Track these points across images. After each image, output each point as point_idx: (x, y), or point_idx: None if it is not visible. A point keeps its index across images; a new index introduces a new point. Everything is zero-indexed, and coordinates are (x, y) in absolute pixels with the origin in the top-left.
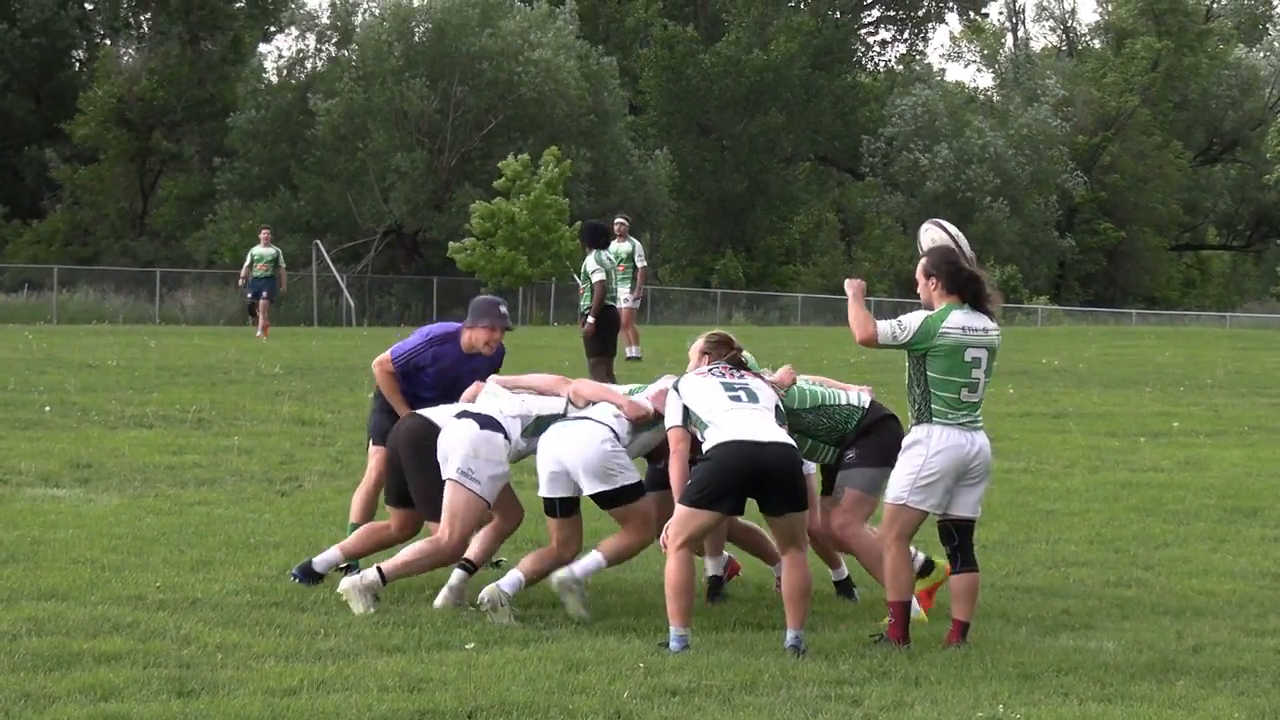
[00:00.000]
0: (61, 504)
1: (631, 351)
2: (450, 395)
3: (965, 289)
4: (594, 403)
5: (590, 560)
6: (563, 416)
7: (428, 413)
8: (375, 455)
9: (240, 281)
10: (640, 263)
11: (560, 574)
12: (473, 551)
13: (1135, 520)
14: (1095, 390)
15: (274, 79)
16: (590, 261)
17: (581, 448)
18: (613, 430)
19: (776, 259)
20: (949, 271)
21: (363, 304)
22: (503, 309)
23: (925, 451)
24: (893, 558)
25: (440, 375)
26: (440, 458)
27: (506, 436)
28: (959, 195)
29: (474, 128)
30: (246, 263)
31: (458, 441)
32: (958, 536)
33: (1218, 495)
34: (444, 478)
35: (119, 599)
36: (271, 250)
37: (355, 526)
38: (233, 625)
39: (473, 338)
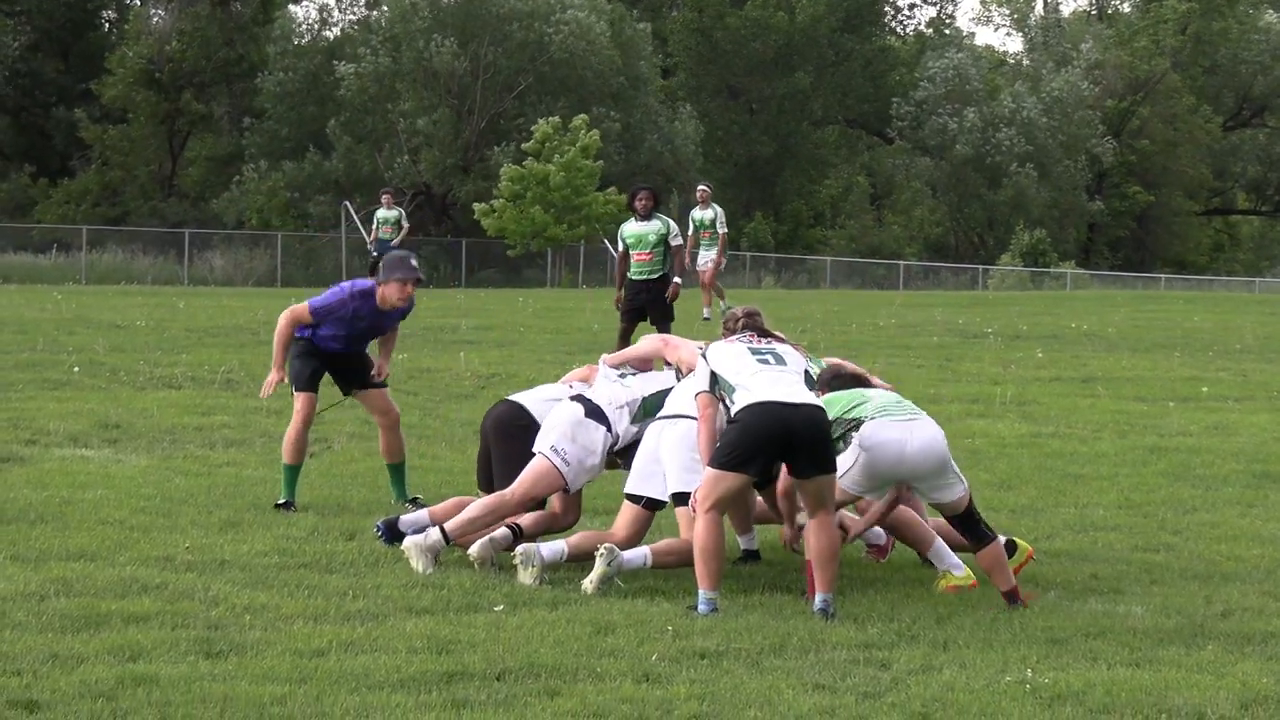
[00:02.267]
0: (90, 465)
1: (706, 313)
2: (361, 342)
3: None
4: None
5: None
6: (669, 391)
7: (519, 397)
8: (301, 399)
9: (370, 245)
10: (723, 229)
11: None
12: (525, 519)
13: (1164, 485)
14: (1124, 355)
15: (303, 40)
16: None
17: (682, 448)
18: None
19: (805, 222)
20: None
21: None
22: (413, 262)
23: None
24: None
25: (353, 326)
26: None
27: (610, 429)
28: (988, 159)
29: (504, 89)
30: (374, 225)
31: (560, 420)
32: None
33: (1246, 460)
34: (534, 449)
35: (147, 560)
36: (394, 212)
37: (289, 468)
38: (261, 586)
39: (385, 293)
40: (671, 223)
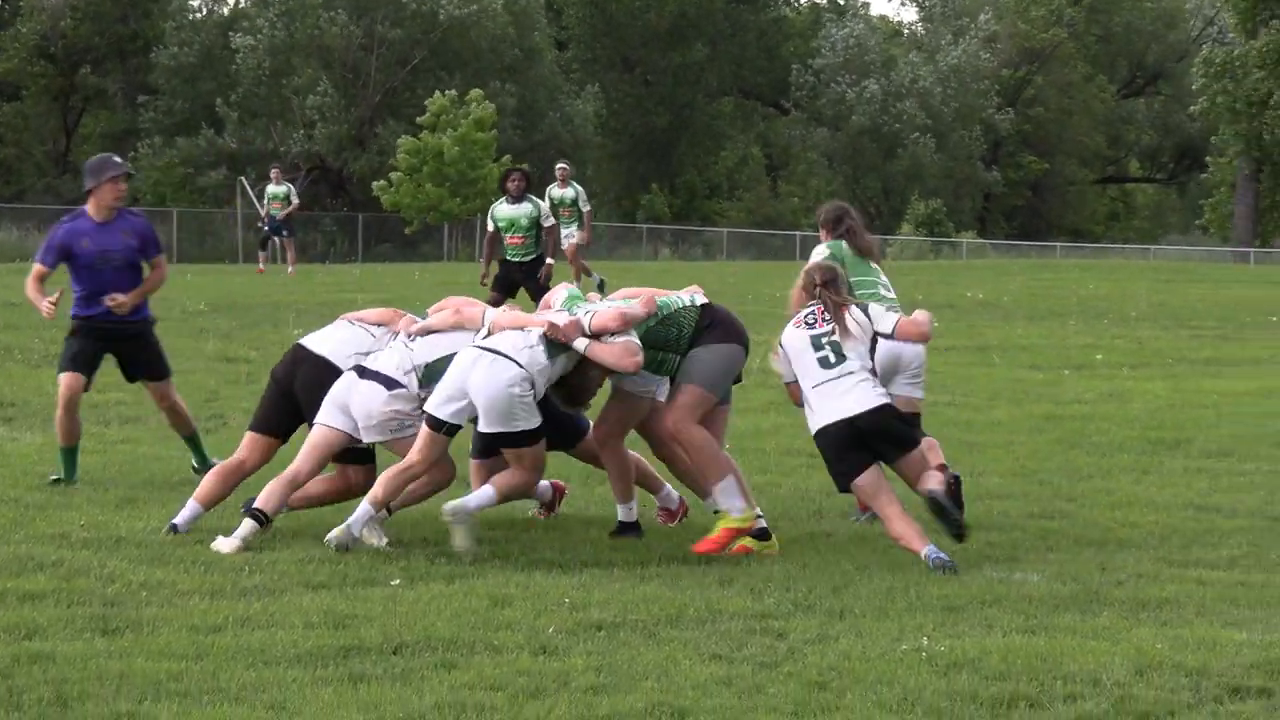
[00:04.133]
0: None
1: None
2: (119, 283)
3: None
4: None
5: (484, 494)
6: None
7: (325, 352)
8: (62, 381)
9: (260, 223)
10: (585, 207)
11: (452, 505)
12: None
13: (1059, 452)
14: (1019, 323)
15: (198, 15)
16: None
17: (490, 387)
18: (525, 371)
19: (701, 194)
20: None
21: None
22: (116, 159)
23: None
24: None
25: (91, 260)
26: (335, 405)
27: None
28: (885, 129)
29: (398, 63)
30: (264, 201)
31: (372, 405)
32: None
33: (1141, 427)
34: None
35: (42, 537)
36: (283, 187)
37: (64, 449)
38: (157, 563)
39: (100, 199)
40: (543, 204)
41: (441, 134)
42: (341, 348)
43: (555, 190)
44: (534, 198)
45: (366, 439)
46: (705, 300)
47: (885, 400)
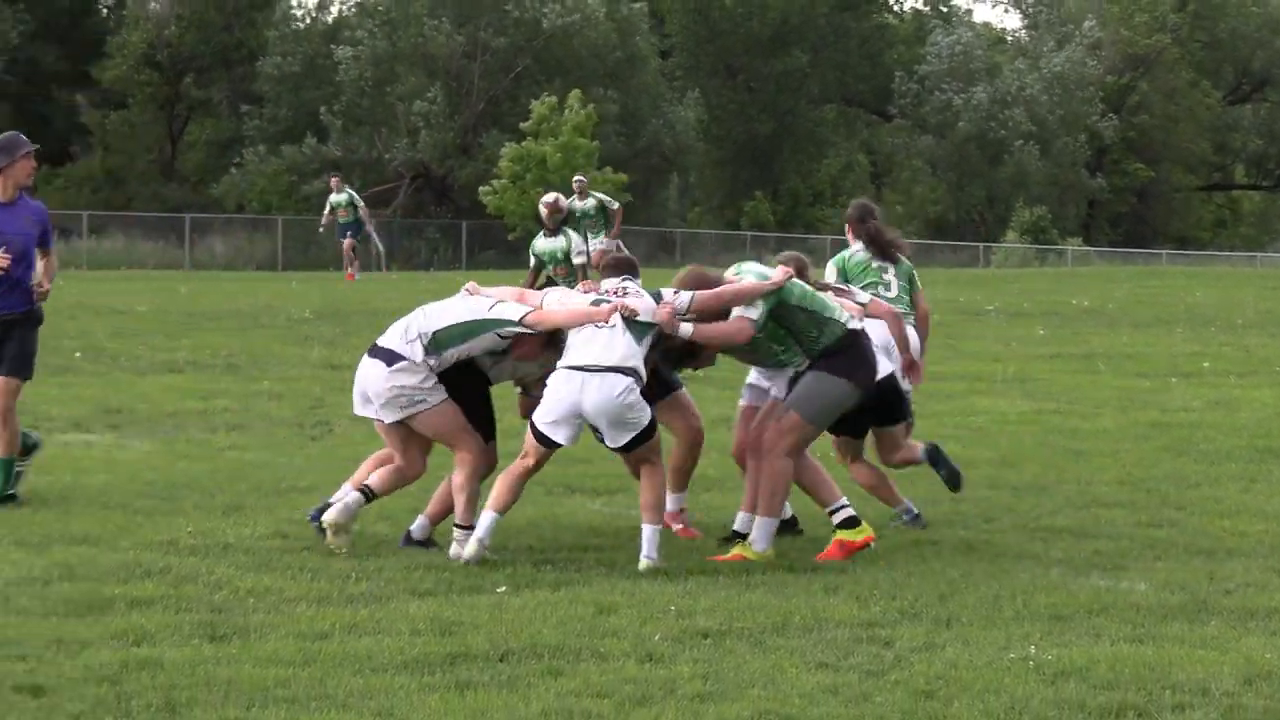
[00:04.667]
0: (93, 450)
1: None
2: (21, 267)
3: None
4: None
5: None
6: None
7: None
8: None
9: (321, 229)
10: (613, 205)
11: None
12: (373, 481)
13: (1166, 460)
14: (1125, 331)
15: (301, 25)
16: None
17: (608, 407)
18: (630, 377)
19: (805, 201)
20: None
21: (392, 248)
22: (19, 135)
23: None
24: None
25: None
26: (360, 397)
27: (405, 361)
28: (990, 136)
29: (501, 70)
30: (326, 210)
31: (374, 384)
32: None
33: (1249, 435)
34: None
35: (151, 544)
36: (344, 195)
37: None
38: (264, 570)
39: (13, 177)
40: (574, 238)
41: (544, 141)
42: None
43: (575, 203)
44: (569, 230)
45: (386, 419)
46: (860, 327)
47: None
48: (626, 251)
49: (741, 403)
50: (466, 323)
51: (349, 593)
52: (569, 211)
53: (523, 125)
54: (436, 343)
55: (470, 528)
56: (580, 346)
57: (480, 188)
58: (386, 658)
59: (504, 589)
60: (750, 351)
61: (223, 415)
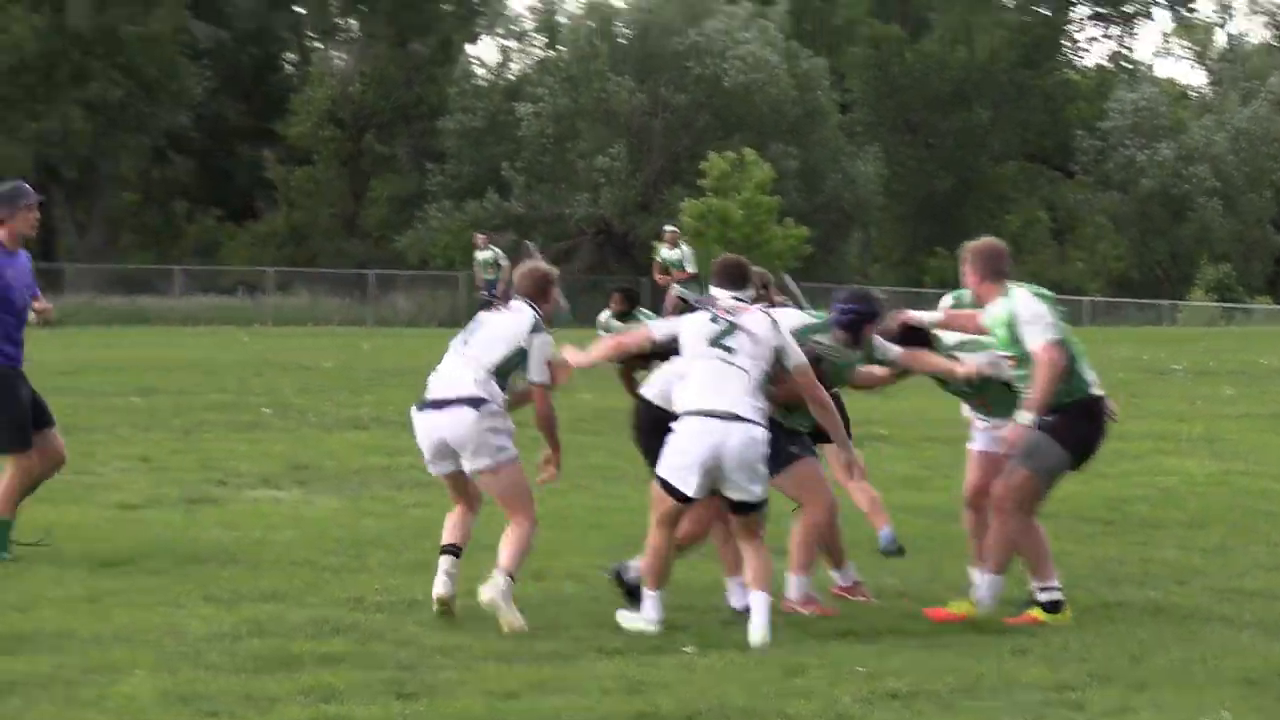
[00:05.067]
0: (281, 506)
1: None
2: (15, 323)
3: None
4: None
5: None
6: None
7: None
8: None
9: (476, 288)
10: (690, 268)
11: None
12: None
13: None
14: None
15: (482, 81)
16: None
17: (751, 457)
18: (764, 427)
19: None
20: None
21: (574, 303)
22: (25, 185)
23: None
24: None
25: (7, 298)
26: (437, 452)
27: (480, 402)
28: (1173, 192)
29: (682, 127)
30: (473, 268)
31: (464, 430)
32: None
33: None
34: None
35: (338, 601)
36: (489, 253)
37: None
38: (451, 627)
39: (17, 227)
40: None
41: (727, 197)
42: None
43: (665, 252)
44: (642, 314)
45: (480, 466)
46: (1101, 394)
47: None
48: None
49: (975, 448)
50: (515, 350)
51: (536, 651)
52: (660, 258)
53: (701, 182)
54: (500, 375)
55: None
56: (708, 389)
57: (656, 243)
58: (574, 716)
59: (691, 649)
60: (978, 392)
61: (408, 472)
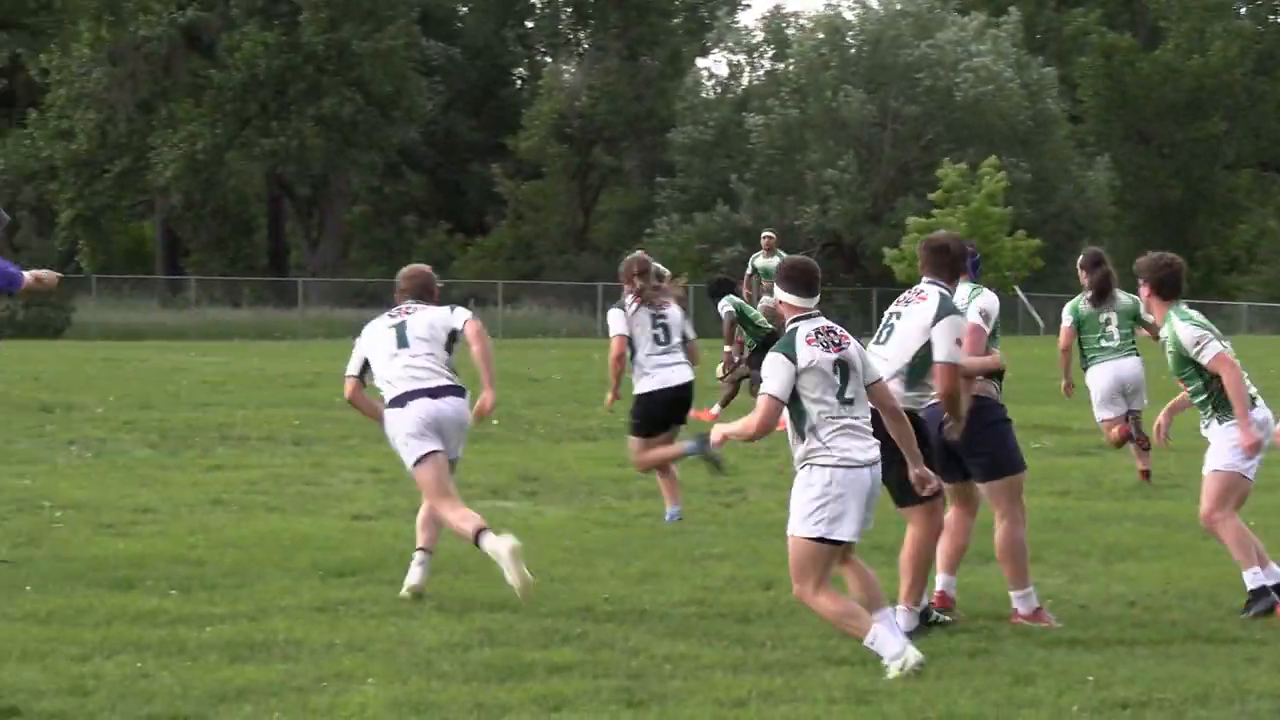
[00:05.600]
0: (510, 516)
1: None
2: None
3: None
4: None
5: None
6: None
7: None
8: None
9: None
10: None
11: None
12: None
13: None
14: None
15: (711, 95)
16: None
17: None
18: None
19: (1219, 268)
20: None
21: None
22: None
23: None
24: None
25: None
26: (431, 434)
27: None
28: None
29: (911, 138)
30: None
31: (459, 419)
32: None
33: None
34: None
35: (568, 610)
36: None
37: None
38: (680, 636)
39: None
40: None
41: (953, 209)
42: None
43: (760, 260)
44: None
45: (457, 454)
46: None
47: None
48: None
49: None
50: (444, 340)
51: (765, 660)
52: (755, 269)
53: (931, 196)
54: (452, 366)
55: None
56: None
57: (887, 250)
58: None
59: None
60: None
61: (637, 482)
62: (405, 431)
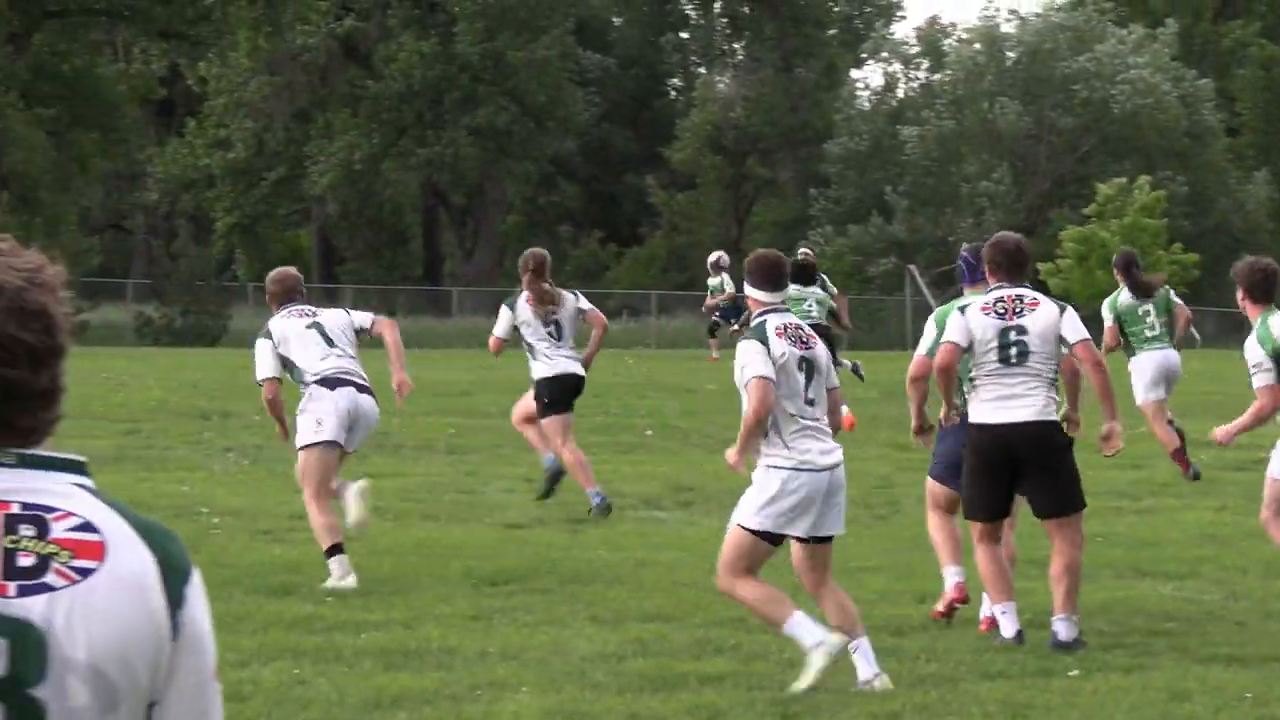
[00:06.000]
0: (664, 527)
1: None
2: None
3: None
4: None
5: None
6: None
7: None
8: None
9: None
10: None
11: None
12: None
13: None
14: None
15: (866, 106)
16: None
17: None
18: None
19: None
20: None
21: None
22: None
23: None
24: None
25: None
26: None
27: None
28: None
29: (1066, 150)
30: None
31: (372, 417)
32: None
33: None
34: None
35: (721, 621)
36: (718, 279)
37: None
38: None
39: None
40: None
41: (1106, 223)
42: None
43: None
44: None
45: (354, 448)
46: None
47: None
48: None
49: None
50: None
51: (919, 674)
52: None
53: (1085, 210)
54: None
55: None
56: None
57: (1041, 265)
58: None
59: (1075, 673)
60: None
61: None
62: (325, 411)
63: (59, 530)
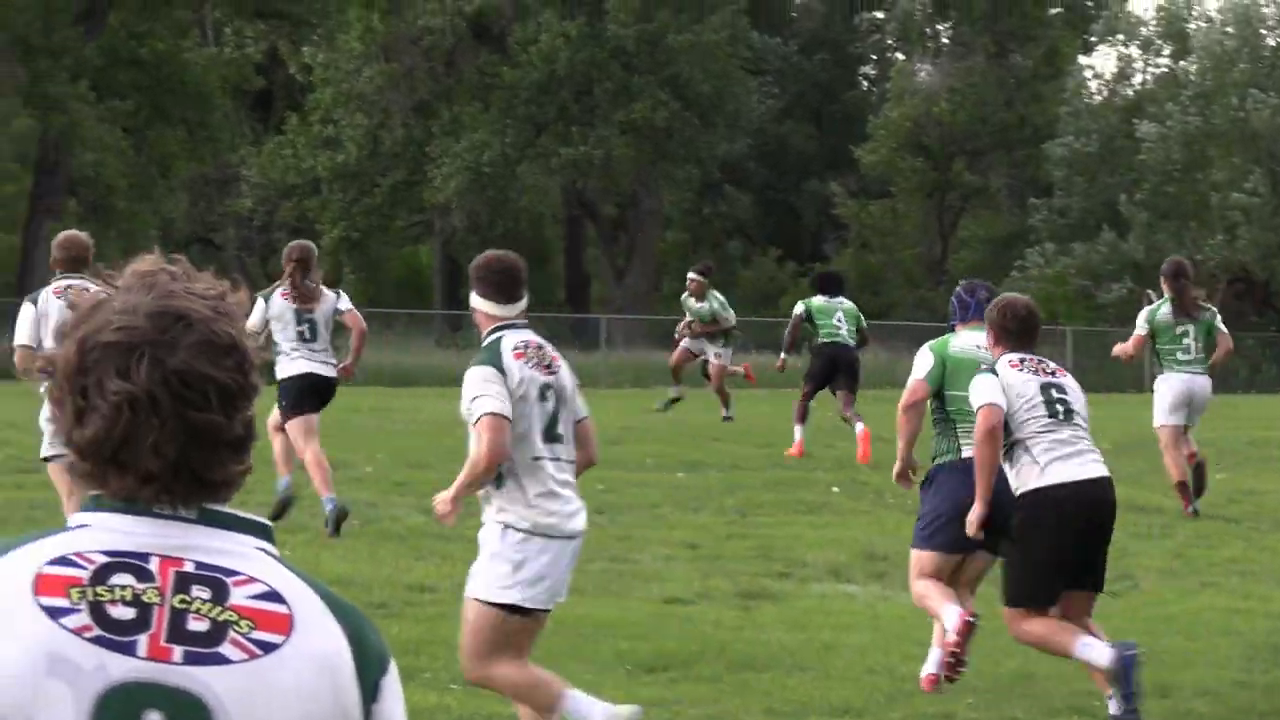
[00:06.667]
0: (854, 602)
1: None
2: None
3: None
4: None
5: None
6: None
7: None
8: None
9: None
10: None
11: None
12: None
13: None
14: None
15: (1097, 98)
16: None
17: None
18: None
19: None
20: None
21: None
22: None
23: None
24: None
25: None
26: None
27: None
28: None
29: None
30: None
31: None
32: None
33: None
34: None
35: (921, 716)
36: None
37: None
38: None
39: None
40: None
41: None
42: None
43: (691, 302)
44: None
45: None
46: None
47: None
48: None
49: None
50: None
51: None
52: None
53: None
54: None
55: None
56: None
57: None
58: None
59: None
60: None
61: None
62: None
63: (239, 596)
